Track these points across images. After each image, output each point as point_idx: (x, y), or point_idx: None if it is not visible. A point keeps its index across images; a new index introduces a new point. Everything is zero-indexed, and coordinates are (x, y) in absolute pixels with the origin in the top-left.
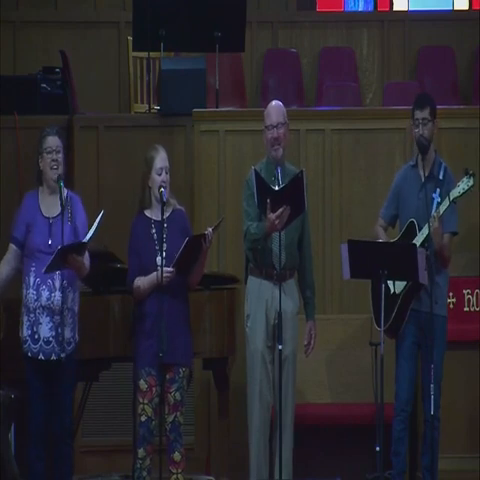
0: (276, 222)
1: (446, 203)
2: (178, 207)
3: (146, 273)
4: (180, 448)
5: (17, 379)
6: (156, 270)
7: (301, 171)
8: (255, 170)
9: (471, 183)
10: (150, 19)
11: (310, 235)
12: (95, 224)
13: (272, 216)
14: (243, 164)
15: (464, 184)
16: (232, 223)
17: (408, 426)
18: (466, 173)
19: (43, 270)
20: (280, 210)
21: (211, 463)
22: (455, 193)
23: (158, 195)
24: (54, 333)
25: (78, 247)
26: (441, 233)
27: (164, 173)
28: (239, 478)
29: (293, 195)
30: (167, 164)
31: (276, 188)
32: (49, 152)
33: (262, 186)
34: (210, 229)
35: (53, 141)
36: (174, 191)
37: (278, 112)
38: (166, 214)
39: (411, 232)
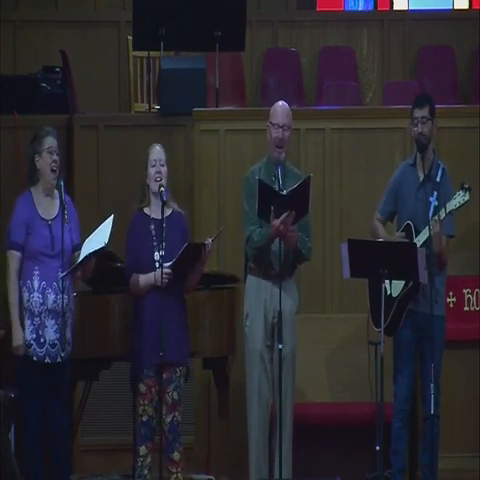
0: (281, 227)
1: (443, 214)
2: (178, 210)
3: (142, 268)
4: (179, 447)
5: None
6: (153, 266)
7: (309, 176)
8: (260, 180)
9: (467, 197)
10: (150, 18)
11: (310, 224)
12: (109, 227)
13: (277, 222)
14: (243, 164)
15: (460, 198)
16: (232, 222)
17: (407, 424)
18: (462, 188)
19: (62, 275)
20: (284, 215)
21: (211, 462)
22: (451, 206)
23: (154, 188)
24: (59, 335)
25: (99, 252)
26: (441, 237)
27: (158, 164)
28: (239, 477)
29: (299, 199)
30: (162, 157)
31: (283, 192)
32: (50, 152)
33: (268, 192)
34: (210, 239)
35: (54, 142)
36: (174, 191)
37: (285, 113)
38: (166, 213)
39: (407, 234)
